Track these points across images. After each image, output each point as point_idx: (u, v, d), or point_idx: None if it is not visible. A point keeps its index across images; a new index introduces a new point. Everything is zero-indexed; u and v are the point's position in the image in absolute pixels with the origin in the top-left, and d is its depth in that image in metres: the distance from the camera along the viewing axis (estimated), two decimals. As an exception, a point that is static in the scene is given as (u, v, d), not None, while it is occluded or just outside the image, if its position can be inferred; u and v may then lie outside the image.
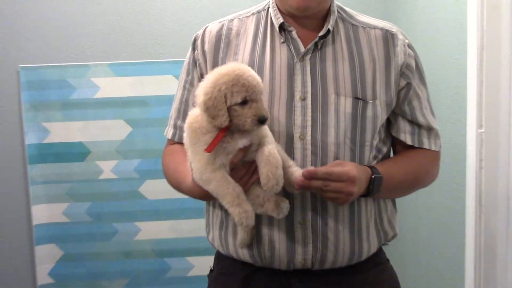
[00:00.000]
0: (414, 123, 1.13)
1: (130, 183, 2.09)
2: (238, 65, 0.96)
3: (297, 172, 0.98)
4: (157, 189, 2.09)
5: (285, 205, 1.00)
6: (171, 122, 1.19)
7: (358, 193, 1.01)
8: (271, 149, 0.96)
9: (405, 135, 1.13)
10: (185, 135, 1.02)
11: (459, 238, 1.64)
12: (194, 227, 2.09)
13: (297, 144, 1.04)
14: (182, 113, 1.16)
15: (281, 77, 1.06)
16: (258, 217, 1.04)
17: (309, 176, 0.96)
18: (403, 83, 1.10)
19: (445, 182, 1.71)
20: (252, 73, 0.95)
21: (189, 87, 1.15)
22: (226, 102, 0.93)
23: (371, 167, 1.05)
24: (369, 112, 1.07)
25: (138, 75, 2.06)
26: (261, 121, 0.93)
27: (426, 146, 1.14)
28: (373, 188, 1.03)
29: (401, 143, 1.15)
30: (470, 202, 1.56)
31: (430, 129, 1.14)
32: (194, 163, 0.98)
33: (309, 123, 1.04)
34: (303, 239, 1.06)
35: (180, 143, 1.16)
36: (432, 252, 1.86)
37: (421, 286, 1.93)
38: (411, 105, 1.12)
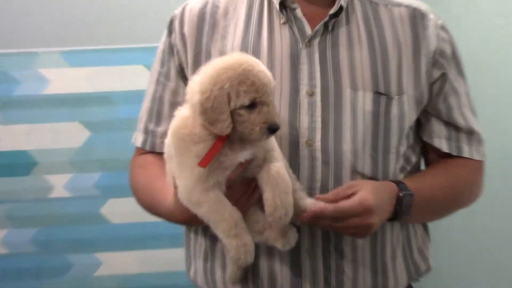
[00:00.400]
0: (451, 125, 1.14)
1: (89, 203, 2.09)
2: (245, 57, 0.95)
3: (304, 200, 0.99)
4: (123, 211, 2.09)
5: (293, 234, 1.00)
6: (141, 126, 1.19)
7: (381, 220, 1.01)
8: (280, 169, 0.96)
9: (440, 141, 1.14)
10: (167, 142, 1.01)
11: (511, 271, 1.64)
12: (170, 259, 2.07)
13: (304, 151, 1.05)
14: (156, 114, 1.16)
15: (283, 67, 1.07)
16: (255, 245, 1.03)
17: (314, 217, 0.97)
18: (436, 74, 1.10)
19: (492, 200, 1.71)
20: (263, 69, 0.94)
21: (164, 81, 1.16)
22: (229, 103, 0.92)
23: (398, 183, 1.06)
24: (394, 110, 1.07)
25: (98, 65, 2.06)
26: (273, 130, 0.93)
27: (466, 154, 1.14)
28: (402, 209, 1.04)
29: (435, 151, 1.15)
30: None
31: (471, 133, 1.15)
32: (181, 180, 0.98)
33: (319, 124, 1.05)
34: (311, 273, 1.06)
35: (153, 152, 1.16)
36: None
37: None
38: (447, 102, 1.12)
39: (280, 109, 1.06)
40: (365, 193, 0.98)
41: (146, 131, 1.17)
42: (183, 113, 0.99)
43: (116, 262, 2.10)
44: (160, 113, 1.16)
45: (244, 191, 0.99)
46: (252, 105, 0.93)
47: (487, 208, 1.75)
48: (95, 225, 2.09)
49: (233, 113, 0.93)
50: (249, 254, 0.95)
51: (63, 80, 2.06)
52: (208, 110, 0.92)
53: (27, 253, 2.08)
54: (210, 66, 0.95)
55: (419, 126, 1.15)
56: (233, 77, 0.92)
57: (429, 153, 1.17)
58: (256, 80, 0.92)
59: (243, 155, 0.96)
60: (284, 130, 1.05)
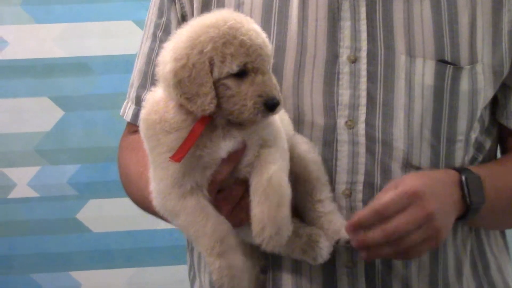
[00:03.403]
0: None
1: (62, 206, 2.14)
2: (232, 14, 0.96)
3: (334, 221, 1.02)
4: (107, 216, 2.15)
5: (325, 244, 1.03)
6: (132, 94, 1.22)
7: (443, 209, 1.02)
8: (274, 173, 0.95)
9: None
10: (141, 132, 1.03)
11: None
12: (169, 278, 2.13)
13: (343, 135, 1.08)
14: (151, 78, 1.19)
15: (318, 23, 1.09)
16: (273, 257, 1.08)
17: (353, 230, 0.98)
18: None
19: None
20: (254, 27, 0.95)
21: (162, 35, 1.19)
22: (212, 72, 0.93)
23: (456, 169, 1.08)
24: (464, 84, 1.09)
25: (71, 21, 2.11)
26: (271, 106, 0.93)
27: None
28: (471, 195, 1.05)
29: None
30: None
31: None
32: (154, 183, 1.00)
33: (363, 101, 1.08)
34: None
35: None
36: None
37: None
38: None
39: (313, 79, 1.09)
40: (405, 179, 1.02)
41: (139, 101, 1.20)
42: (155, 95, 1.00)
43: (98, 284, 2.15)
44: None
45: (241, 195, 1.00)
46: (242, 73, 0.93)
47: None
48: (70, 234, 2.15)
49: (217, 85, 0.94)
50: (235, 280, 0.96)
51: (25, 41, 2.11)
52: (184, 82, 0.93)
53: None
54: (187, 27, 0.96)
55: (495, 104, 1.17)
56: (216, 37, 0.92)
57: (507, 140, 1.19)
58: (246, 40, 0.93)
59: (227, 146, 0.96)
60: (316, 107, 1.08)
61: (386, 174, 1.08)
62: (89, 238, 2.17)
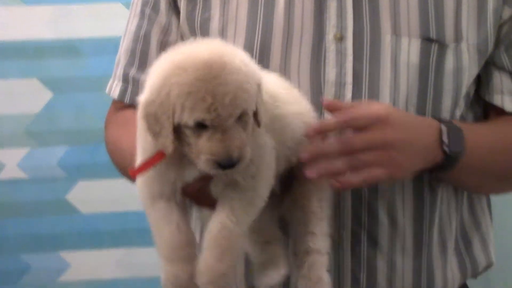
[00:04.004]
0: None
1: (51, 187, 2.15)
2: (217, 52, 0.91)
3: (313, 270, 1.02)
4: (96, 197, 2.16)
5: (276, 274, 1.04)
6: (119, 71, 1.23)
7: (407, 144, 1.02)
8: (228, 227, 0.94)
9: (503, 97, 1.17)
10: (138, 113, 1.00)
11: None
12: (158, 259, 2.13)
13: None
14: (139, 57, 1.20)
15: (304, 4, 1.11)
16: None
17: (315, 133, 1.00)
18: (507, 13, 1.14)
19: None
20: (230, 78, 0.89)
21: (151, 13, 1.20)
22: (174, 116, 0.90)
23: (438, 119, 1.08)
24: (449, 62, 1.11)
25: (60, 3, 2.11)
26: (223, 167, 0.90)
27: None
28: (450, 144, 1.05)
29: (498, 112, 1.18)
30: None
31: None
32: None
33: (350, 78, 1.10)
34: (336, 267, 1.12)
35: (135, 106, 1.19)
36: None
37: None
38: None
39: (300, 58, 1.11)
40: (380, 103, 1.06)
41: (126, 79, 1.21)
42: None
43: (88, 264, 2.17)
44: (145, 54, 1.20)
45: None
46: (200, 126, 0.90)
47: None
48: (59, 215, 2.16)
49: (178, 129, 0.91)
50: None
51: (14, 23, 2.11)
52: (150, 118, 0.91)
53: None
54: (172, 55, 0.93)
55: (479, 82, 1.18)
56: (183, 84, 0.88)
57: (490, 116, 1.20)
58: (208, 97, 0.87)
59: (191, 174, 0.96)
60: (304, 85, 1.10)
61: None
62: (78, 219, 2.18)
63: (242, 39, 1.14)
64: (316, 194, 1.04)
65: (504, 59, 1.17)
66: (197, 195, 0.99)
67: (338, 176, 1.00)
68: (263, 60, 1.10)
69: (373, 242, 1.12)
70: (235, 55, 0.91)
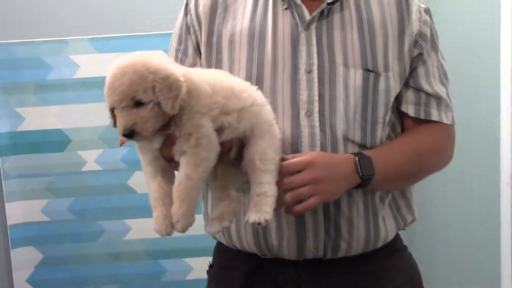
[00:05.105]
0: (418, 90, 1.16)
1: (117, 175, 2.17)
2: (128, 58, 0.92)
3: (259, 204, 1.00)
4: (148, 182, 2.19)
5: (217, 226, 1.02)
6: None
7: (331, 177, 1.03)
8: (184, 178, 0.93)
9: (407, 106, 1.17)
10: None
11: (493, 227, 1.73)
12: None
13: (304, 121, 1.11)
14: None
15: (285, 47, 1.13)
16: None
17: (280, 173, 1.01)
18: (415, 53, 1.16)
19: (477, 167, 1.80)
20: (123, 77, 0.90)
21: (182, 57, 1.20)
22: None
23: (354, 153, 1.09)
24: (381, 85, 1.12)
25: (123, 51, 2.11)
26: (125, 135, 0.91)
27: (435, 118, 1.16)
28: (363, 170, 1.06)
29: (409, 118, 1.18)
30: (505, 190, 1.65)
31: (439, 99, 1.17)
32: None
33: (316, 98, 1.11)
34: (314, 226, 1.12)
35: None
36: (462, 238, 1.96)
37: (449, 274, 2.03)
38: (416, 71, 1.16)
39: (283, 84, 1.12)
40: (309, 153, 1.05)
41: None
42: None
43: (143, 228, 2.18)
44: None
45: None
46: (112, 109, 0.93)
47: (473, 173, 1.83)
48: (123, 195, 2.18)
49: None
50: (161, 227, 0.96)
51: (91, 65, 2.13)
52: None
53: (65, 220, 2.18)
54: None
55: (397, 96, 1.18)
56: (106, 80, 0.92)
57: (404, 121, 1.20)
58: (110, 87, 0.91)
59: (155, 142, 0.96)
60: (286, 103, 1.12)
61: (334, 146, 1.12)
62: (136, 197, 2.19)
63: (244, 71, 1.14)
64: (258, 155, 1.01)
65: (410, 78, 1.17)
66: (171, 161, 0.98)
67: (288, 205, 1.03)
68: (259, 85, 1.11)
69: (338, 208, 1.13)
70: (144, 63, 0.92)
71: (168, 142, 0.96)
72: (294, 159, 1.04)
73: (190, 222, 0.95)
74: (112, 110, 0.94)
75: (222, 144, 0.99)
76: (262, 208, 0.99)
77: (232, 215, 1.04)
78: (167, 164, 1.00)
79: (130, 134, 0.91)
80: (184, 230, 0.95)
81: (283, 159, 1.04)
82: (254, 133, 1.02)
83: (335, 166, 1.05)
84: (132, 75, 0.90)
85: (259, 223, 0.98)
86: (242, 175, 1.04)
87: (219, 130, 0.98)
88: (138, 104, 0.91)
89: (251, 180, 1.02)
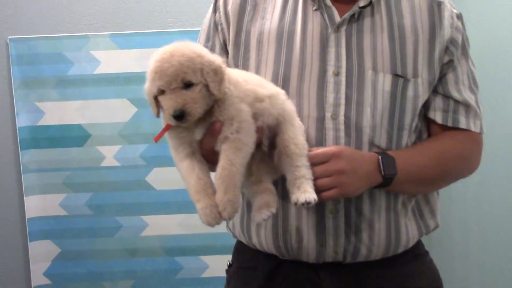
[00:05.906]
0: (447, 97, 1.15)
1: (136, 172, 2.18)
2: (174, 46, 0.94)
3: (301, 188, 1.00)
4: (166, 178, 2.18)
5: (267, 212, 1.01)
6: None
7: (354, 171, 1.04)
8: (226, 167, 0.94)
9: (435, 113, 1.16)
10: None
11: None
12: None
13: (329, 124, 1.10)
14: None
15: (313, 48, 1.11)
16: (283, 205, 1.10)
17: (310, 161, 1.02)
18: (446, 59, 1.14)
19: (498, 171, 1.78)
20: (172, 58, 0.92)
21: None
22: (151, 92, 0.95)
23: (377, 152, 1.09)
24: (410, 91, 1.11)
25: (144, 48, 2.13)
26: (174, 117, 0.91)
27: (463, 125, 1.15)
28: (385, 169, 1.06)
29: (437, 125, 1.17)
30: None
31: (467, 106, 1.15)
32: None
33: (343, 101, 1.10)
34: (334, 229, 1.11)
35: None
36: (483, 245, 1.94)
37: (468, 277, 2.01)
38: (445, 78, 1.15)
39: (310, 86, 1.11)
40: (336, 146, 1.06)
41: None
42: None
43: (160, 224, 2.20)
44: None
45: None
46: (161, 92, 0.93)
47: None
48: (141, 191, 2.19)
49: (158, 100, 0.94)
50: (209, 217, 0.95)
51: (112, 61, 2.14)
52: (148, 98, 0.96)
53: (83, 215, 2.19)
54: (154, 55, 0.96)
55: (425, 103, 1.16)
56: (152, 66, 0.93)
57: (431, 128, 1.19)
58: (158, 70, 0.92)
59: (198, 133, 0.97)
60: (312, 105, 1.11)
61: (358, 150, 1.10)
62: (154, 194, 2.20)
63: (270, 72, 1.13)
64: (291, 140, 1.03)
65: (439, 85, 1.16)
66: (209, 154, 0.99)
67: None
68: (285, 86, 1.11)
69: (359, 212, 1.12)
70: (189, 48, 0.94)
71: (213, 130, 0.97)
72: (320, 150, 1.04)
73: (236, 209, 0.95)
74: (155, 98, 0.95)
75: (256, 131, 1.00)
76: (306, 189, 1.00)
77: (276, 202, 1.05)
78: (202, 158, 1.00)
79: (181, 114, 0.91)
80: (231, 217, 0.95)
81: (308, 151, 1.05)
82: (285, 118, 1.04)
83: (359, 161, 1.06)
84: (181, 57, 0.92)
85: (308, 203, 0.99)
86: (275, 172, 1.06)
87: (254, 117, 1.00)
88: (187, 85, 0.92)
89: (286, 168, 1.03)
